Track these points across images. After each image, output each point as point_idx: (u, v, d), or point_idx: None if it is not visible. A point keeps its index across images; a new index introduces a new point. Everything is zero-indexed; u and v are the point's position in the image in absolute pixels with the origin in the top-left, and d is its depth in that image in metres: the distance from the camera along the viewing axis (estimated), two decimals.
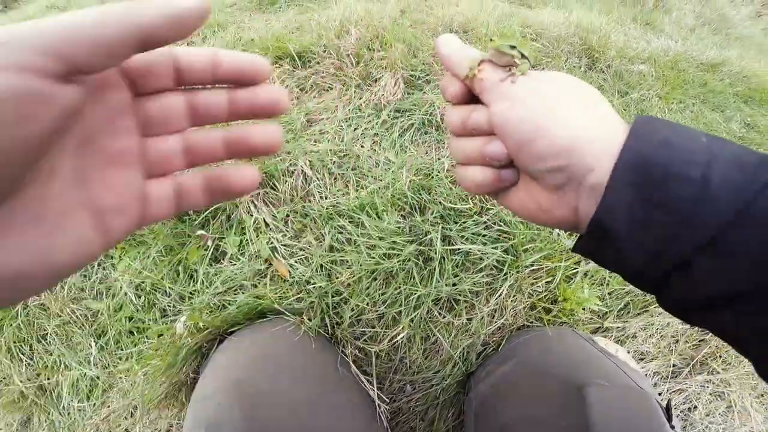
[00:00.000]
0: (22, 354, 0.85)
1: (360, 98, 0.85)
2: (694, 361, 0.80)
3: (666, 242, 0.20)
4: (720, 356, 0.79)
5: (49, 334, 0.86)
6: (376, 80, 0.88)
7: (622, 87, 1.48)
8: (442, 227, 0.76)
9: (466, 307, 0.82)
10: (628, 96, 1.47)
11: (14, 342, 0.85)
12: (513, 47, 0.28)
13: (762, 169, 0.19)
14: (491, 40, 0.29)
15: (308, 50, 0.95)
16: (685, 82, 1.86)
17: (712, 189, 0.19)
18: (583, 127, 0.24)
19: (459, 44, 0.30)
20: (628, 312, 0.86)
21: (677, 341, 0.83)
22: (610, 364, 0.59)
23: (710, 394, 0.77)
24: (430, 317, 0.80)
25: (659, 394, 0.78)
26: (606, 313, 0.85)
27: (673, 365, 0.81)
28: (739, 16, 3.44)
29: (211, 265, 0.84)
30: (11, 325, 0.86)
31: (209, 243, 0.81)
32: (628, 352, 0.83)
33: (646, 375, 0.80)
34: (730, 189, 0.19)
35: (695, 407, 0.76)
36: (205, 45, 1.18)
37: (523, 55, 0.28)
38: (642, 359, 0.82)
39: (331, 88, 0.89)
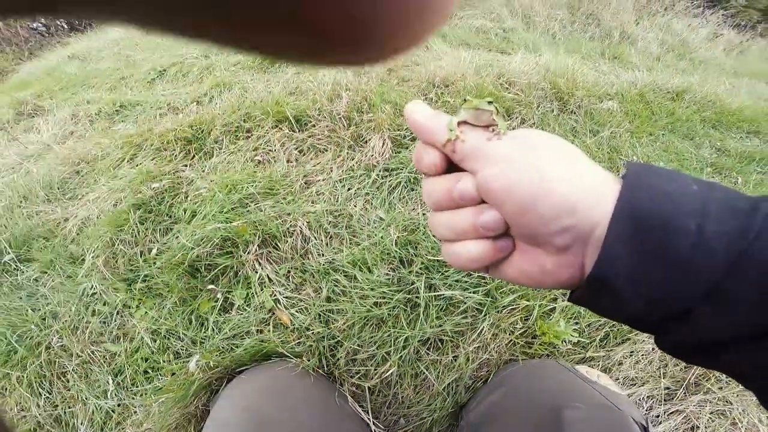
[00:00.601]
0: (42, 388, 0.91)
1: (352, 159, 0.96)
2: (686, 382, 0.82)
3: (664, 291, 0.20)
4: (713, 375, 0.81)
5: (68, 372, 0.92)
6: (366, 141, 1.00)
7: (593, 126, 1.59)
8: (426, 277, 0.86)
9: (451, 346, 0.91)
10: (599, 134, 1.56)
11: (35, 378, 0.91)
12: (491, 102, 0.26)
13: (754, 216, 0.20)
14: (465, 100, 0.27)
15: (305, 114, 1.06)
16: (654, 114, 1.97)
17: (708, 239, 0.19)
18: (581, 182, 0.23)
19: (430, 110, 0.28)
20: (610, 341, 0.91)
21: (666, 365, 0.86)
22: (588, 388, 0.64)
23: (711, 413, 0.77)
24: (418, 356, 0.89)
25: (657, 417, 0.80)
26: (588, 343, 0.91)
27: (666, 388, 0.82)
28: (699, 39, 3.55)
29: (220, 314, 0.92)
30: (33, 363, 0.92)
31: (219, 296, 0.91)
32: (617, 379, 0.87)
33: (638, 399, 0.84)
34: (725, 239, 0.19)
35: (697, 427, 0.76)
36: (212, 104, 1.29)
37: (498, 112, 0.27)
38: (633, 384, 0.86)
39: (326, 150, 1.00)
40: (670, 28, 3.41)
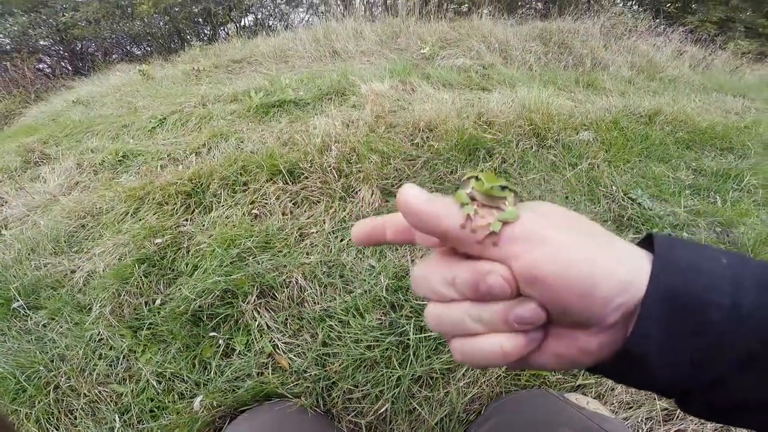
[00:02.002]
0: (49, 425, 0.92)
1: (344, 210, 1.03)
2: None
3: (697, 364, 0.21)
4: None
5: (76, 410, 0.94)
6: (356, 192, 1.08)
7: (571, 159, 1.65)
8: (416, 320, 0.92)
9: (442, 383, 0.96)
10: (578, 167, 1.61)
11: (43, 415, 0.93)
12: (504, 188, 0.22)
13: None
14: (476, 178, 0.23)
15: (297, 166, 1.14)
16: (629, 140, 2.02)
17: (743, 313, 0.20)
18: (628, 259, 0.22)
19: (426, 193, 0.24)
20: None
21: None
22: (576, 414, 0.67)
23: (714, 430, 0.78)
24: (411, 394, 0.94)
25: None
26: (577, 372, 0.94)
27: (664, 409, 0.84)
28: (665, 58, 3.69)
29: (222, 359, 0.98)
30: (42, 401, 0.95)
31: (221, 342, 0.96)
32: (611, 404, 0.90)
33: (637, 422, 0.86)
34: (761, 311, 0.20)
35: None
36: (210, 155, 1.38)
37: (517, 194, 0.23)
38: (629, 408, 0.88)
39: (319, 201, 1.07)
40: (637, 49, 3.56)
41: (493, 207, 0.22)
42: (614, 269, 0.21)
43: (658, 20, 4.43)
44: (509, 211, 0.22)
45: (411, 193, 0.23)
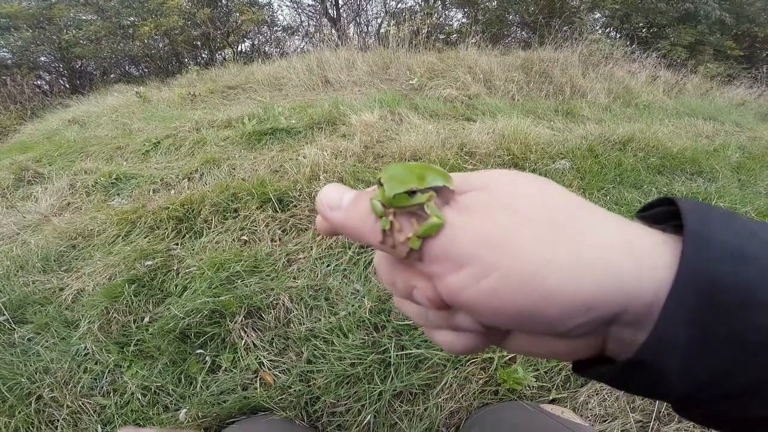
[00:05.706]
0: None
1: (331, 237, 1.10)
2: (655, 413, 0.86)
3: (728, 374, 0.17)
4: None
5: (57, 421, 0.95)
6: None
7: None
8: (397, 339, 0.98)
9: (422, 398, 1.01)
10: None
11: (23, 424, 0.93)
12: (413, 192, 0.18)
13: None
14: (379, 183, 0.19)
15: (286, 194, 1.21)
16: (603, 168, 2.13)
17: None
18: (601, 262, 0.17)
19: (347, 195, 0.21)
20: (572, 383, 1.00)
21: (633, 399, 0.89)
22: (552, 422, 0.73)
23: None
24: (392, 408, 0.98)
25: None
26: (550, 387, 1.00)
27: (638, 421, 0.86)
28: (639, 84, 3.84)
29: (208, 374, 1.00)
30: (22, 411, 0.95)
31: (207, 358, 0.99)
32: (587, 418, 0.94)
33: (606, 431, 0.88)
34: None
35: None
36: (202, 180, 1.44)
37: (436, 190, 0.19)
38: (604, 421, 0.91)
39: (307, 229, 1.14)
40: (614, 76, 3.70)
41: (411, 215, 0.19)
42: (562, 289, 0.17)
43: (633, 46, 4.56)
44: (428, 223, 0.18)
45: (327, 204, 0.21)
